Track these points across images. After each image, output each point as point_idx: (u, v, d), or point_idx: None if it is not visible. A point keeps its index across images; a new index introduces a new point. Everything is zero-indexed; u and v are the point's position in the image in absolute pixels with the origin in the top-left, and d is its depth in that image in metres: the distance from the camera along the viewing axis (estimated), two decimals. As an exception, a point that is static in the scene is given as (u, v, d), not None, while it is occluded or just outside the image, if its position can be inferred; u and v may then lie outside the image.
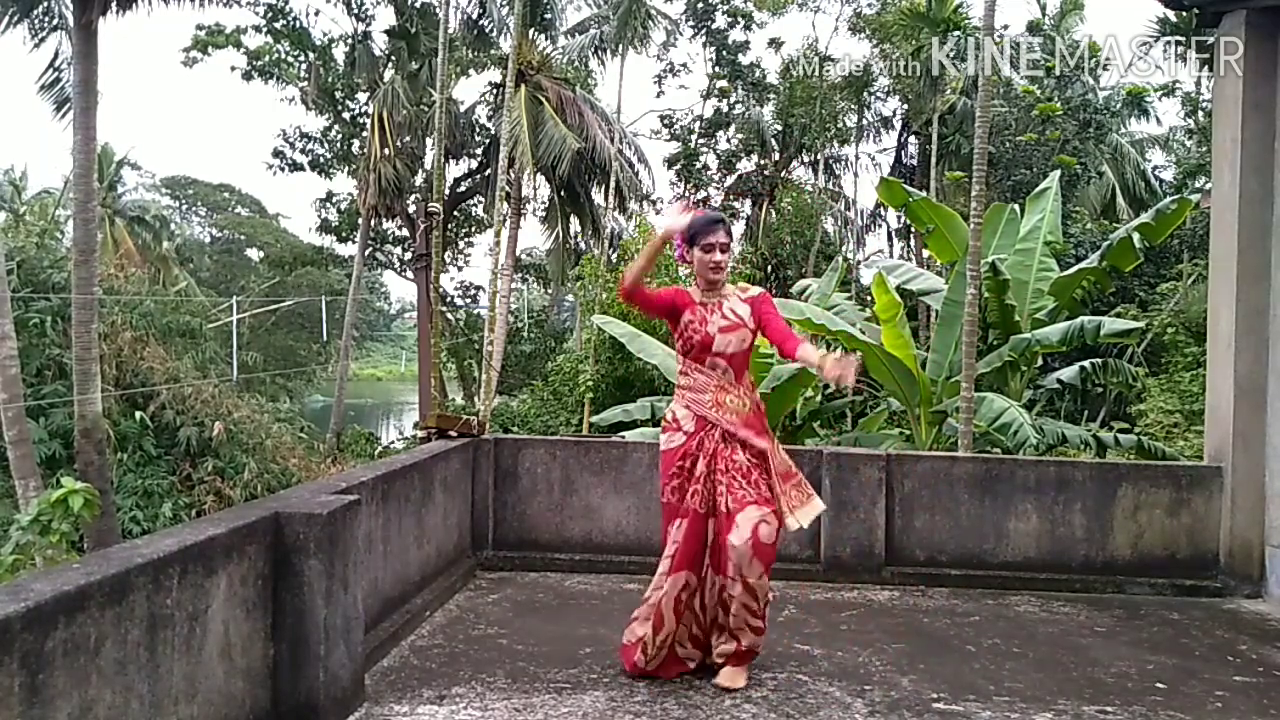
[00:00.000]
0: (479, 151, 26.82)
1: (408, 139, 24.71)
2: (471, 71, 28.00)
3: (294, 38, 26.34)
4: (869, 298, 12.16)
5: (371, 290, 47.10)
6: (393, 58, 25.19)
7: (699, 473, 3.66)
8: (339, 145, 28.95)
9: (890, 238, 29.06)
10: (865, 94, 25.25)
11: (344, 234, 31.18)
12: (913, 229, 19.25)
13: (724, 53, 27.31)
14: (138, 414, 15.93)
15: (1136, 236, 9.21)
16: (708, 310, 3.78)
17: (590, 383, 17.09)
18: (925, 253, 18.46)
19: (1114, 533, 5.44)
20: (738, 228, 28.32)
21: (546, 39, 24.09)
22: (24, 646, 1.94)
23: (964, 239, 8.98)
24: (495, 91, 25.65)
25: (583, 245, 26.77)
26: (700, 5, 26.79)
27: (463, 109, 26.11)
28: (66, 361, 14.69)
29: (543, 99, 21.23)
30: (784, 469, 3.74)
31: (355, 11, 25.85)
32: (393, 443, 26.54)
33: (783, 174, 28.19)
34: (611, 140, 21.84)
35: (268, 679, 2.99)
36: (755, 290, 3.89)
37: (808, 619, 4.66)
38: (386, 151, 23.46)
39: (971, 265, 7.88)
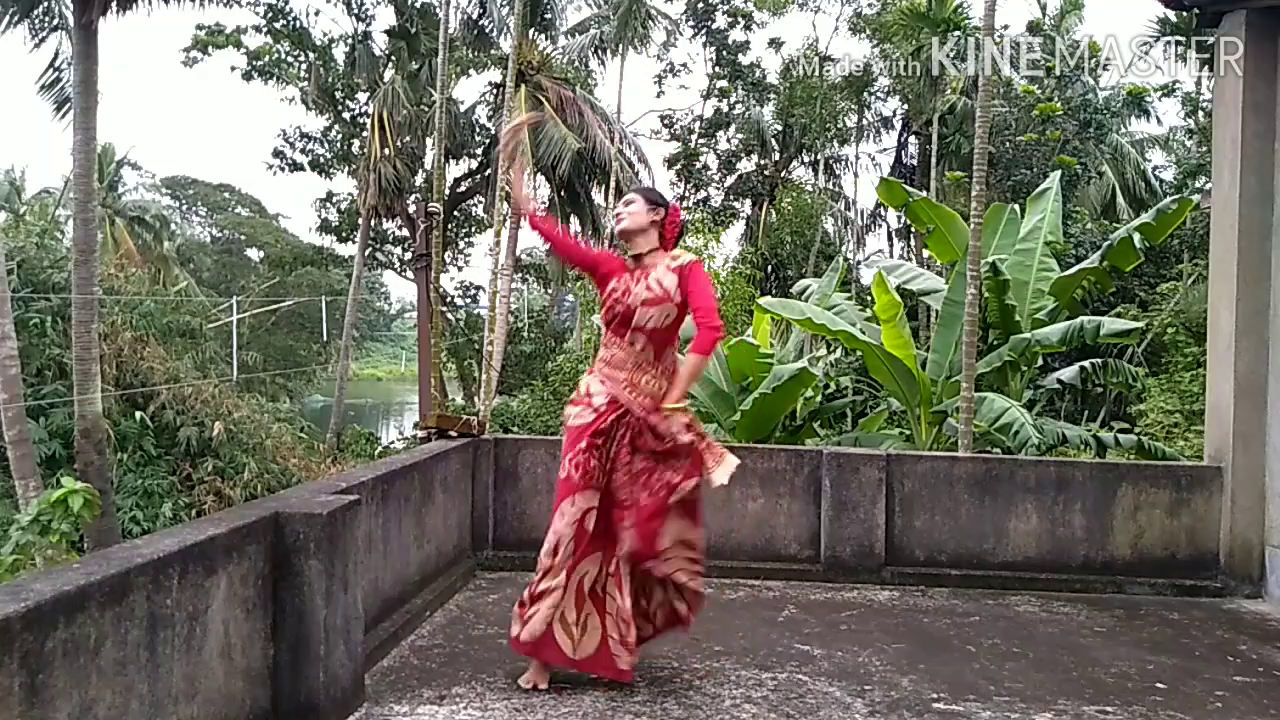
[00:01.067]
0: (479, 151, 26.83)
1: (408, 139, 24.71)
2: (471, 71, 28.01)
3: (294, 38, 26.34)
4: (869, 298, 12.16)
5: (371, 290, 47.11)
6: (393, 58, 25.20)
7: (605, 454, 3.48)
8: (339, 145, 28.95)
9: (890, 238, 29.10)
10: (865, 94, 25.28)
11: (344, 234, 31.18)
12: (913, 229, 19.25)
13: (724, 53, 27.33)
14: (138, 414, 15.93)
15: (1137, 236, 9.21)
16: (633, 279, 3.55)
17: (590, 382, 17.06)
18: (925, 253, 18.46)
19: (1114, 533, 5.44)
20: (738, 228, 28.34)
21: (546, 39, 24.11)
22: (24, 646, 1.94)
23: (964, 239, 8.99)
24: (495, 91, 25.67)
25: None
26: (700, 5, 26.81)
27: (463, 109, 26.12)
28: (66, 361, 14.69)
29: (543, 99, 21.24)
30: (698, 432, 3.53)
31: (355, 11, 25.86)
32: (393, 443, 26.53)
33: (783, 174, 28.22)
34: (611, 140, 21.84)
35: (268, 679, 2.98)
36: (687, 258, 3.56)
37: (808, 619, 4.66)
38: (386, 151, 23.45)
39: (971, 265, 7.88)
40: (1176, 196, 10.36)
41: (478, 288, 32.80)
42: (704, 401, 10.30)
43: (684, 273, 3.50)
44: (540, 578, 3.49)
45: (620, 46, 21.11)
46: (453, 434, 5.37)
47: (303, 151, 29.13)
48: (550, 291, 34.36)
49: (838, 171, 29.55)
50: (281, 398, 27.95)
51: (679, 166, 28.35)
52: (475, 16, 23.35)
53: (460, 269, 33.15)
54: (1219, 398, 5.53)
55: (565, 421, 3.62)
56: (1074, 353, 10.99)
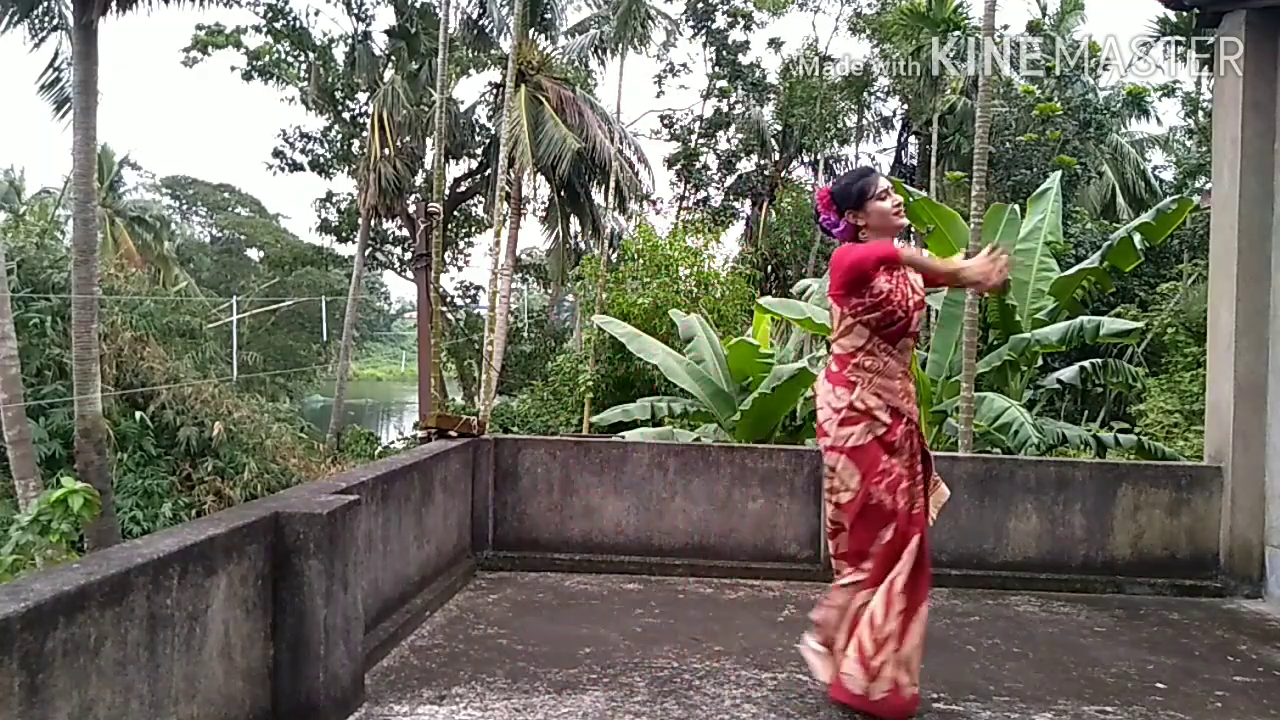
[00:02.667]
0: (479, 151, 26.84)
1: (408, 139, 24.71)
2: (471, 71, 28.04)
3: (294, 38, 26.36)
4: (869, 298, 12.13)
5: (371, 290, 47.12)
6: (393, 58, 25.21)
7: (901, 471, 3.22)
8: (339, 145, 28.96)
9: (890, 238, 29.03)
10: (865, 94, 25.27)
11: (344, 234, 31.20)
12: (913, 229, 19.25)
13: (724, 53, 27.33)
14: (138, 414, 15.94)
15: (1137, 236, 9.21)
16: (898, 279, 3.22)
17: (590, 383, 17.10)
18: (925, 253, 18.43)
19: (1114, 533, 5.44)
20: (737, 228, 28.35)
21: (546, 39, 24.12)
22: (24, 646, 1.94)
23: (964, 239, 8.98)
24: (495, 91, 25.67)
25: (583, 245, 26.78)
26: (700, 5, 26.82)
27: (463, 109, 26.13)
28: (66, 361, 14.70)
29: (543, 99, 21.24)
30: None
31: (355, 11, 25.88)
32: (393, 443, 26.54)
33: (783, 174, 28.21)
34: (611, 140, 21.84)
35: (268, 679, 2.98)
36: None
37: (808, 619, 4.64)
38: (386, 151, 23.46)
39: (972, 265, 7.86)
40: (1176, 196, 10.36)
41: (478, 288, 32.84)
42: (704, 401, 10.31)
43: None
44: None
45: (620, 46, 21.07)
46: (453, 434, 5.37)
47: (303, 151, 29.17)
48: (550, 291, 34.36)
49: (838, 171, 29.53)
50: (281, 398, 27.95)
51: (679, 166, 28.36)
52: (475, 16, 23.35)
53: (460, 269, 33.22)
54: (1219, 398, 5.53)
55: (837, 445, 3.26)
56: (1074, 353, 10.99)
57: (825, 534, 5.41)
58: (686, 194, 29.12)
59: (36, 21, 14.45)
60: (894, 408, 3.22)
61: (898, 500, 3.20)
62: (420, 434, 6.18)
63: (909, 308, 3.24)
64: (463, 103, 26.57)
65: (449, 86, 22.56)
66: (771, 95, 27.54)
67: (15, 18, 14.05)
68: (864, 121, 27.14)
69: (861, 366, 3.24)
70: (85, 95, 12.81)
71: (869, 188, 3.26)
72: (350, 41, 26.07)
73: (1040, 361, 10.30)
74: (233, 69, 27.07)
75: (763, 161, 28.51)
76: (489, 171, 25.20)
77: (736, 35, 27.37)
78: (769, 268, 24.13)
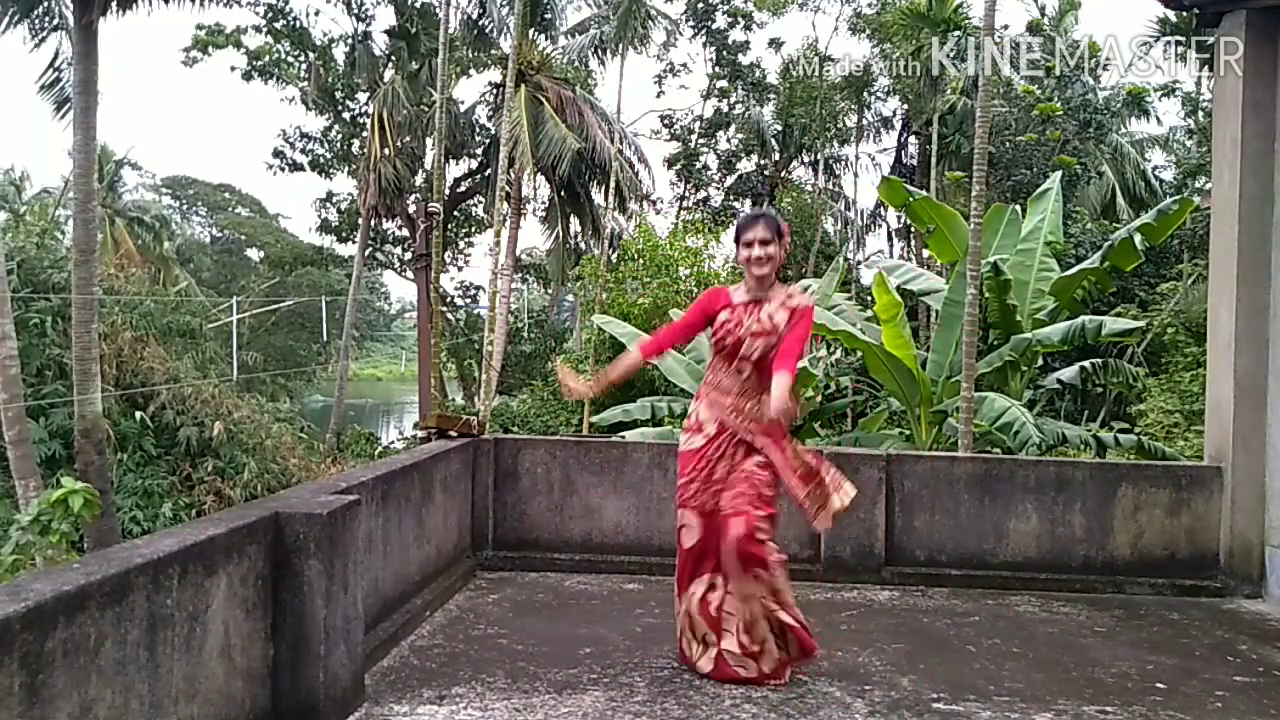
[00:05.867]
0: (479, 151, 26.83)
1: (408, 139, 24.71)
2: (471, 71, 28.03)
3: (294, 38, 26.35)
4: (869, 298, 12.16)
5: (371, 290, 47.11)
6: (393, 58, 25.20)
7: (716, 476, 3.68)
8: (339, 145, 28.95)
9: (890, 238, 29.07)
10: (865, 94, 25.26)
11: (344, 234, 31.19)
12: (913, 229, 19.24)
13: (724, 53, 27.32)
14: (138, 414, 15.93)
15: (1138, 237, 9.21)
16: (746, 312, 3.70)
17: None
18: (925, 253, 18.46)
19: (1114, 533, 5.44)
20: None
21: (546, 39, 24.11)
22: (24, 646, 1.94)
23: (964, 239, 8.98)
24: (495, 91, 25.67)
25: (583, 245, 26.79)
26: (700, 5, 26.80)
27: (463, 109, 26.12)
28: (66, 361, 14.69)
29: (543, 99, 21.24)
30: (805, 471, 3.70)
31: (355, 11, 25.87)
32: (393, 443, 26.54)
33: (783, 174, 28.22)
34: (611, 140, 21.84)
35: (268, 679, 2.98)
36: (802, 302, 3.73)
37: (807, 619, 4.65)
38: (386, 151, 23.45)
39: (972, 265, 7.88)
40: (1178, 197, 10.35)
41: (478, 288, 32.84)
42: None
43: (796, 316, 3.66)
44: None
45: (620, 46, 21.09)
46: (453, 434, 5.37)
47: (303, 151, 29.15)
48: (550, 291, 34.36)
49: (838, 171, 29.53)
50: (281, 398, 27.94)
51: (679, 166, 28.35)
52: (475, 16, 23.35)
53: (460, 269, 33.22)
54: (1219, 398, 5.53)
55: (680, 448, 3.85)
56: (1074, 353, 10.98)
57: (822, 534, 5.43)
58: (686, 194, 29.12)
59: (36, 21, 14.44)
60: (721, 420, 3.71)
61: (699, 501, 3.70)
62: (420, 434, 6.18)
63: (740, 335, 3.67)
64: (463, 103, 26.58)
65: (449, 86, 22.55)
66: (771, 95, 27.53)
67: (15, 18, 14.05)
68: (864, 121, 27.13)
69: (707, 381, 3.82)
70: (85, 95, 12.80)
71: (739, 230, 3.75)
72: (350, 41, 26.07)
73: (1040, 361, 10.30)
74: (233, 69, 27.09)
75: (763, 161, 28.51)
76: (489, 171, 25.19)
77: (736, 35, 27.37)
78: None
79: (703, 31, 27.20)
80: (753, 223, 3.72)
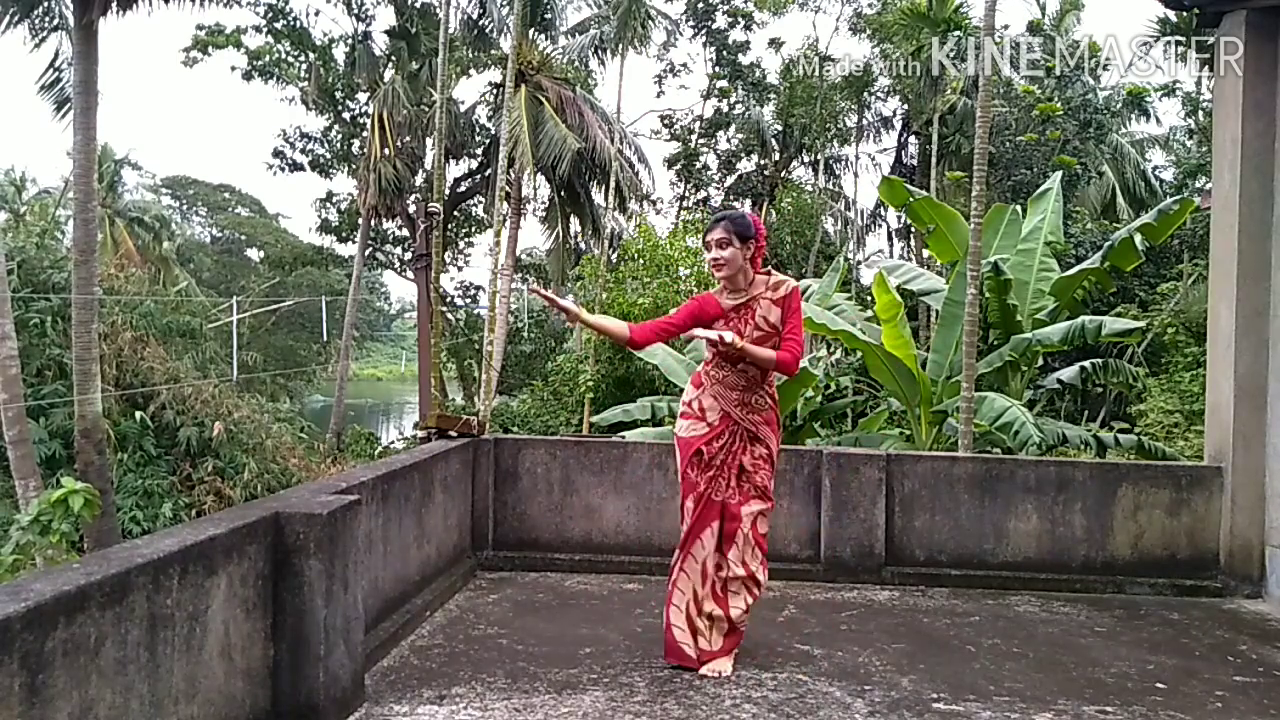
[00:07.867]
0: (479, 151, 26.82)
1: (408, 139, 24.71)
2: (471, 71, 28.01)
3: (294, 38, 26.34)
4: (869, 298, 12.16)
5: (371, 290, 47.11)
6: (393, 58, 25.19)
7: (716, 464, 3.75)
8: (339, 145, 28.95)
9: (890, 238, 29.09)
10: (865, 94, 25.27)
11: (344, 234, 31.19)
12: (913, 229, 19.25)
13: (724, 53, 27.33)
14: (138, 414, 15.93)
15: (1138, 237, 9.21)
16: (740, 319, 3.72)
17: (590, 383, 17.10)
18: (925, 253, 18.46)
19: (1114, 533, 5.44)
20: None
21: (546, 39, 24.09)
22: (24, 646, 1.94)
23: (965, 239, 8.99)
24: (495, 91, 25.66)
25: (583, 245, 26.79)
26: (700, 5, 26.81)
27: (463, 109, 26.10)
28: (66, 361, 14.69)
29: (543, 99, 21.23)
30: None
31: (355, 11, 25.86)
32: (393, 443, 26.55)
33: (783, 174, 28.21)
34: (611, 140, 21.83)
35: (268, 679, 2.98)
36: (787, 285, 3.76)
37: (808, 619, 4.65)
38: (386, 151, 23.45)
39: (972, 265, 7.88)
40: (1178, 197, 10.34)
41: (478, 288, 32.84)
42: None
43: (786, 303, 3.74)
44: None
45: (620, 46, 21.07)
46: (453, 434, 5.37)
47: (303, 151, 29.16)
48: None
49: (838, 171, 29.54)
50: (281, 398, 27.94)
51: (679, 166, 28.35)
52: (475, 16, 23.34)
53: (460, 269, 33.22)
54: (1219, 398, 5.53)
55: (680, 434, 3.86)
56: (1074, 353, 10.99)
57: (822, 534, 5.43)
58: (686, 194, 29.12)
59: (36, 21, 14.44)
60: (725, 412, 3.76)
61: (699, 486, 3.75)
62: (420, 434, 6.18)
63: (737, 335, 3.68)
64: (463, 103, 26.55)
65: (449, 86, 22.53)
66: (771, 95, 27.53)
67: (15, 18, 14.05)
68: (864, 121, 27.14)
69: (709, 373, 3.83)
70: (85, 95, 12.80)
71: (706, 232, 3.80)
72: (350, 41, 26.06)
73: (1040, 361, 10.30)
74: (233, 69, 27.08)
75: (763, 161, 28.51)
76: (489, 171, 25.18)
77: (736, 35, 27.37)
78: (769, 268, 24.10)
79: (703, 31, 27.21)
80: (713, 225, 3.75)
